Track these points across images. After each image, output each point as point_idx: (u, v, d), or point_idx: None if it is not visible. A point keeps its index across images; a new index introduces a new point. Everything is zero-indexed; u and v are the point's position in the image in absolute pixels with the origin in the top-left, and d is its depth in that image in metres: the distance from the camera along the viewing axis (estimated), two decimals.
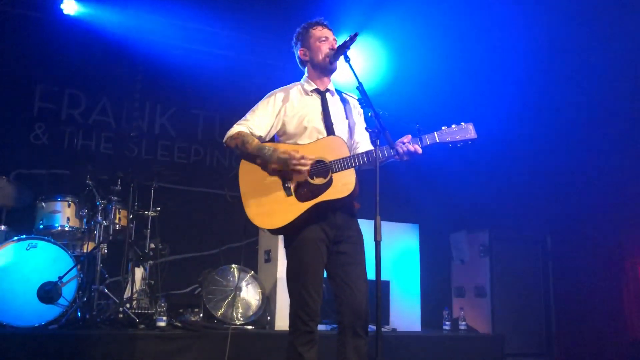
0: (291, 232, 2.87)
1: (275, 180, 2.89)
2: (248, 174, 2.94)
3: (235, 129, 2.99)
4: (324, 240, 2.85)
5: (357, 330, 2.78)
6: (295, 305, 2.82)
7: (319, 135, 2.97)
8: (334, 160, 2.85)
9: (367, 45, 6.71)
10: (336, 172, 2.84)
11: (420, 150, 2.85)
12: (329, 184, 2.84)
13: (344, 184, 2.83)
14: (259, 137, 2.99)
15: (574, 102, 6.19)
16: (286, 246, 2.93)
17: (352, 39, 2.87)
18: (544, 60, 6.23)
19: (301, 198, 2.84)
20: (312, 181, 2.85)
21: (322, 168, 2.86)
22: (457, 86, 6.61)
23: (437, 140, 2.90)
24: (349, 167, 2.84)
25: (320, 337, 2.84)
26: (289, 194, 2.86)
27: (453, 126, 2.93)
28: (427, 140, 2.89)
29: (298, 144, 2.98)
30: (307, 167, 2.82)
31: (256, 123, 3.00)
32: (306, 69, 3.18)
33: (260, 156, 2.88)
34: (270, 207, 2.86)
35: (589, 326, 5.99)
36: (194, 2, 6.46)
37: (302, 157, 2.82)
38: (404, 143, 2.84)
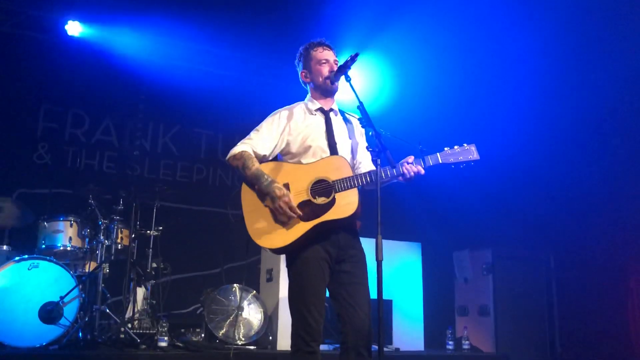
0: (293, 251, 2.86)
1: None
2: (250, 192, 2.93)
3: (239, 148, 2.99)
4: (326, 260, 2.84)
5: (361, 351, 2.75)
6: (297, 325, 2.80)
7: (322, 154, 2.97)
8: (337, 180, 2.85)
9: (369, 64, 6.75)
10: (339, 191, 2.84)
11: (422, 171, 2.88)
12: (331, 203, 2.83)
13: (346, 203, 2.83)
14: (263, 156, 3.00)
15: (577, 122, 6.20)
16: (288, 265, 2.92)
17: (353, 59, 2.89)
18: (548, 79, 6.25)
19: (303, 217, 2.83)
20: (314, 201, 2.84)
21: (325, 188, 2.86)
22: (460, 105, 6.64)
23: (440, 161, 2.92)
24: (352, 187, 2.84)
25: (322, 357, 2.82)
26: None
27: (456, 147, 2.95)
28: (430, 161, 2.91)
29: (301, 163, 2.98)
30: (288, 216, 2.80)
31: (260, 142, 3.00)
32: (309, 88, 3.20)
33: (258, 185, 2.88)
34: (273, 227, 2.85)
35: (594, 346, 5.93)
36: (196, 23, 6.52)
37: (289, 208, 2.79)
38: (408, 163, 2.86)
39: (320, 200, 2.84)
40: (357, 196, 2.85)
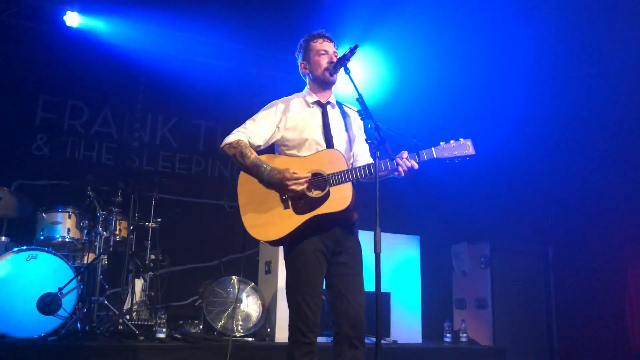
0: (290, 243, 2.87)
1: (274, 192, 2.89)
2: (247, 184, 2.94)
3: (235, 136, 2.99)
4: (323, 252, 2.85)
5: (354, 342, 2.77)
6: (295, 316, 2.81)
7: (318, 148, 2.97)
8: (331, 174, 2.85)
9: (368, 56, 6.73)
10: (333, 185, 2.84)
11: (416, 166, 2.83)
12: (326, 197, 2.83)
13: (340, 197, 2.82)
14: (257, 147, 3.01)
15: (574, 115, 6.20)
16: (285, 256, 2.93)
17: (352, 51, 2.88)
18: (545, 73, 6.24)
19: (298, 211, 2.83)
20: (309, 194, 2.84)
21: (320, 181, 2.86)
22: (458, 98, 6.63)
23: (435, 156, 2.87)
24: (346, 181, 2.83)
25: (320, 349, 2.83)
26: (286, 207, 2.86)
27: (451, 142, 2.90)
28: (425, 155, 2.87)
29: (297, 156, 2.98)
30: (302, 187, 2.82)
31: (255, 132, 3.01)
32: (307, 79, 3.19)
33: (258, 173, 2.89)
34: (267, 219, 2.86)
35: (591, 338, 5.96)
36: (196, 14, 6.50)
37: (296, 178, 2.82)
38: (401, 158, 2.83)
39: (315, 193, 2.85)
40: (351, 190, 2.84)
